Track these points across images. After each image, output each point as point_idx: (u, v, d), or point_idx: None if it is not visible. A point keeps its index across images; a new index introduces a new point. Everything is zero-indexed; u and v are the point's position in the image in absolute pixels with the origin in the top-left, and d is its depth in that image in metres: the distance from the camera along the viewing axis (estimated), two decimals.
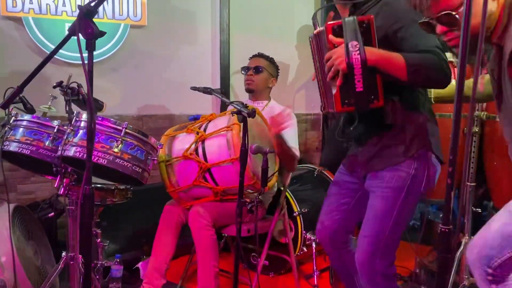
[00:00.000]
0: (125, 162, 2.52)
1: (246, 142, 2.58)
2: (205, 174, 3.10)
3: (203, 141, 3.12)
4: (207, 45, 4.65)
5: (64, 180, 2.51)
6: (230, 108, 3.57)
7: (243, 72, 3.92)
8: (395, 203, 2.33)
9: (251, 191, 3.08)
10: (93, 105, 1.84)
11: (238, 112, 2.62)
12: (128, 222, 3.97)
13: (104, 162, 2.46)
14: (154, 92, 4.43)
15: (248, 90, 3.88)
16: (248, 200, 2.69)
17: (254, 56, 3.99)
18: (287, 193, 3.80)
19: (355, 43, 2.08)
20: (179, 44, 4.54)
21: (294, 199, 3.85)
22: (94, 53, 1.84)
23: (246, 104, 2.69)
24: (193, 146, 3.11)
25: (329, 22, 2.15)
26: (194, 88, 3.20)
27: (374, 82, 2.12)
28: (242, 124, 2.60)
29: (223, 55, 4.65)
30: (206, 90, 3.12)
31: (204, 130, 3.19)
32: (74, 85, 2.62)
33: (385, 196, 2.36)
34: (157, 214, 3.38)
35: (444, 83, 2.16)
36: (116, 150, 2.48)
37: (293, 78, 5.07)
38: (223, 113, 3.36)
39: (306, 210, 3.79)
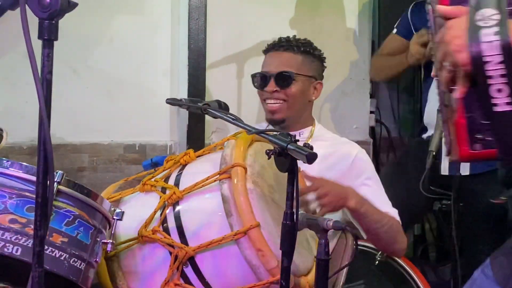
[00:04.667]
0: (56, 252, 1.61)
1: (296, 202, 1.60)
2: (185, 268, 1.92)
3: (176, 205, 1.97)
4: (163, 15, 3.28)
5: None
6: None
7: (255, 84, 2.48)
8: None
9: None
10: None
11: (280, 152, 1.58)
12: None
13: (16, 252, 1.57)
14: (62, 102, 3.01)
15: (275, 122, 2.42)
16: None
17: (273, 47, 2.48)
18: None
19: (489, 11, 1.22)
20: (111, 14, 3.16)
21: None
22: None
23: (290, 135, 1.65)
24: (158, 215, 1.96)
25: None
26: (172, 102, 2.11)
27: None
28: (288, 174, 1.60)
29: (194, 34, 3.19)
30: (197, 106, 2.02)
31: (177, 184, 2.01)
32: None
33: None
34: None
35: None
36: None
37: None
38: (209, 148, 2.18)
39: None
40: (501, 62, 1.19)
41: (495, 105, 1.20)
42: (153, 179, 2.06)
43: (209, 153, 2.14)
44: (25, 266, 1.68)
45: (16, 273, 1.77)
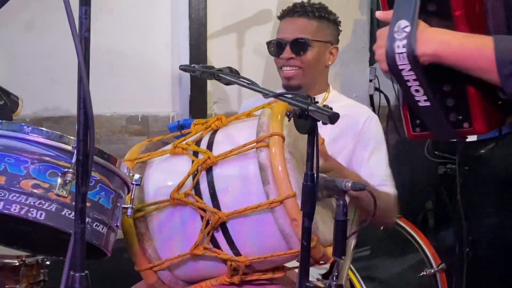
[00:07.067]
0: None
1: (316, 167, 1.57)
2: (215, 232, 1.89)
3: (209, 170, 1.91)
4: None
5: None
6: (258, 102, 2.19)
7: (271, 51, 2.44)
8: None
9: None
10: None
11: (300, 114, 1.55)
12: None
13: (40, 216, 1.49)
14: (60, 75, 3.00)
15: (291, 88, 2.40)
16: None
17: (287, 13, 2.43)
18: (350, 272, 2.47)
19: (403, 23, 1.39)
20: None
21: (360, 280, 2.55)
22: None
23: (310, 97, 1.61)
24: (190, 179, 1.90)
25: None
26: (185, 69, 1.99)
27: (457, 91, 1.44)
28: (308, 135, 1.56)
29: (194, 4, 3.19)
30: (210, 71, 1.91)
31: (210, 148, 1.96)
32: None
33: None
34: None
35: None
36: (61, 192, 1.51)
37: None
38: (243, 114, 2.11)
39: None
40: (410, 70, 1.38)
41: (418, 101, 1.42)
42: (183, 143, 2.01)
43: (246, 118, 2.09)
44: (45, 233, 1.68)
45: (36, 241, 1.78)
